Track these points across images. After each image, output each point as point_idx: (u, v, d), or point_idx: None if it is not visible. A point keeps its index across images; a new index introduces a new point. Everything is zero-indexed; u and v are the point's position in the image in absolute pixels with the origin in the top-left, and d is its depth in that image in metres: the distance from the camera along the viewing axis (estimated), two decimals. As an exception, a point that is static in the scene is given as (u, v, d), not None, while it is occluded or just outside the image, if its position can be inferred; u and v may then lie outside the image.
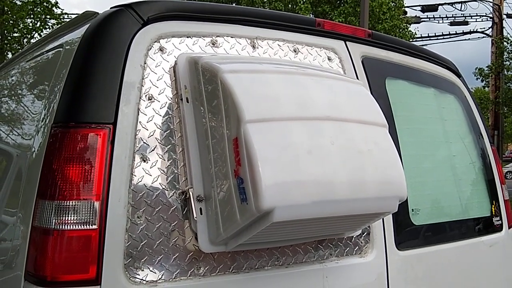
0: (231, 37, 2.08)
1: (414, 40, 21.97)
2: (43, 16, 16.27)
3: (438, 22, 27.12)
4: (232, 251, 1.85)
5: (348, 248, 2.18)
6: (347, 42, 2.43)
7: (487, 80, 25.68)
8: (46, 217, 1.66)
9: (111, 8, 1.99)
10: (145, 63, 1.86)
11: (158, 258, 1.75)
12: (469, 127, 3.00)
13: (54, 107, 1.84)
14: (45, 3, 16.16)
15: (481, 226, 2.88)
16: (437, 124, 2.81)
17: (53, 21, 16.28)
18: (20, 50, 3.02)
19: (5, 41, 16.44)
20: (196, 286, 1.80)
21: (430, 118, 2.78)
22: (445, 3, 25.78)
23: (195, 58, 1.89)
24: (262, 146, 1.60)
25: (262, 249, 1.94)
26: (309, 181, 1.65)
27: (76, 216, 1.65)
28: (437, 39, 26.30)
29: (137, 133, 1.79)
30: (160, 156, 1.82)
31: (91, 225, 1.66)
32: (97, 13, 2.02)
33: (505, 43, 23.80)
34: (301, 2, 17.11)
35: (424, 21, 26.34)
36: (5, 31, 16.18)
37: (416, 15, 25.90)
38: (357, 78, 2.34)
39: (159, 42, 1.91)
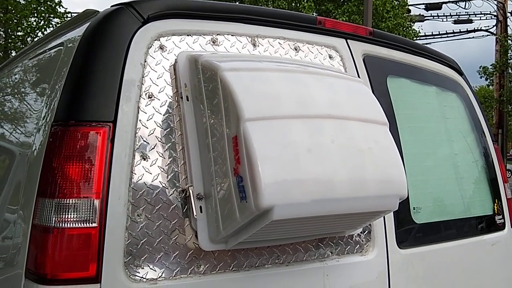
0: (232, 35, 2.08)
1: (418, 38, 21.91)
2: (47, 15, 16.29)
3: (442, 21, 27.05)
4: (232, 249, 1.85)
5: (349, 247, 2.17)
6: (348, 40, 2.43)
7: (491, 78, 25.58)
8: (46, 215, 1.66)
9: (111, 6, 1.99)
10: (145, 61, 1.86)
11: (158, 256, 1.76)
12: (471, 125, 2.99)
13: (55, 105, 1.84)
14: (48, 2, 16.16)
15: (483, 224, 2.87)
16: (439, 122, 2.80)
17: (56, 20, 16.29)
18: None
19: (9, 40, 16.47)
20: (196, 284, 1.80)
21: (431, 116, 2.77)
22: (449, 1, 25.67)
23: (195, 56, 1.89)
24: (262, 145, 1.60)
25: (263, 247, 1.94)
26: (309, 179, 1.65)
27: (76, 214, 1.66)
28: (441, 37, 26.22)
29: (137, 131, 1.79)
30: (160, 154, 1.82)
31: (91, 223, 1.66)
32: (98, 11, 2.02)
33: (509, 41, 23.72)
34: (305, 1, 17.07)
35: (428, 19, 26.25)
36: (9, 30, 16.20)
37: (420, 14, 25.79)
38: (359, 76, 2.34)
39: (159, 40, 1.91)
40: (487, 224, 2.89)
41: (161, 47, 1.91)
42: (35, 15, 16.28)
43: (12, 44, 16.28)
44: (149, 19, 1.91)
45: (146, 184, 1.77)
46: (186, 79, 1.89)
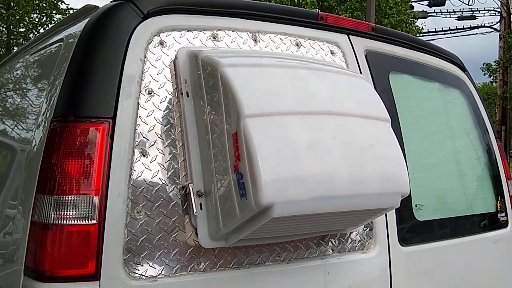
0: (233, 30, 2.06)
1: (421, 35, 21.83)
2: (49, 11, 16.29)
3: (446, 17, 26.92)
4: (232, 247, 1.84)
5: (350, 244, 2.16)
6: (350, 36, 2.41)
7: (494, 75, 25.49)
8: (45, 212, 1.65)
9: (111, 1, 1.98)
10: (145, 57, 1.84)
11: (158, 253, 1.74)
12: (474, 122, 2.97)
13: (54, 101, 1.83)
14: (50, -2, 16.20)
15: (486, 222, 2.86)
16: (442, 119, 2.78)
17: (58, 16, 16.28)
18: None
19: (11, 36, 16.47)
20: (196, 282, 1.79)
21: (434, 113, 2.75)
22: (452, -2, 25.55)
23: (196, 52, 1.87)
24: (262, 141, 1.59)
25: (263, 244, 1.93)
26: (310, 176, 1.63)
27: (75, 211, 1.65)
28: (444, 34, 26.11)
29: (136, 128, 1.77)
30: (160, 151, 1.81)
31: (90, 220, 1.65)
32: (98, 6, 2.01)
33: (513, 37, 23.61)
34: (307, -4, 17.02)
35: (431, 15, 26.17)
36: (11, 26, 16.21)
37: (423, 10, 25.72)
38: (361, 72, 2.32)
39: (159, 36, 1.90)
40: (490, 222, 2.88)
41: (161, 43, 1.90)
42: (37, 11, 16.28)
43: (14, 40, 16.28)
44: (149, 14, 1.89)
45: (145, 181, 1.76)
46: (186, 75, 1.87)
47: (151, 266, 1.73)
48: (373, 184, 1.75)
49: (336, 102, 1.81)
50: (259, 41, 2.11)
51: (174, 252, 1.77)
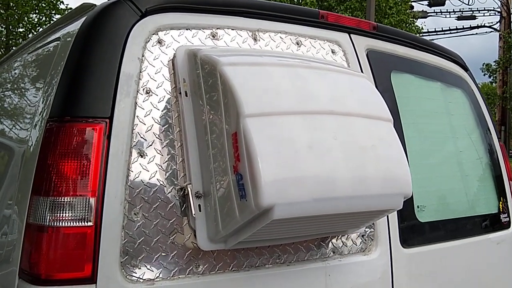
0: (232, 29, 2.04)
1: (421, 35, 21.81)
2: (48, 11, 16.27)
3: (445, 17, 26.94)
4: (231, 249, 1.81)
5: (351, 246, 2.13)
6: (351, 35, 2.39)
7: (494, 75, 25.50)
8: (41, 213, 1.63)
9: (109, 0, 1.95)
10: (143, 56, 1.82)
11: (156, 256, 1.72)
12: (476, 122, 2.94)
13: (51, 100, 1.80)
14: (49, -2, 16.18)
15: (488, 223, 2.83)
16: (444, 119, 2.75)
17: (58, 16, 16.28)
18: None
19: (11, 36, 16.45)
20: (195, 285, 1.76)
21: (436, 112, 2.72)
22: (452, -3, 25.58)
23: (194, 50, 1.84)
24: (262, 141, 1.55)
25: (263, 246, 1.90)
26: (311, 177, 1.60)
27: (71, 213, 1.62)
28: (444, 34, 26.15)
29: (134, 128, 1.75)
30: (158, 152, 1.78)
31: (87, 222, 1.63)
32: (95, 5, 1.98)
33: (512, 37, 23.62)
34: (307, -4, 17.01)
35: (431, 15, 26.19)
36: (10, 26, 16.19)
37: (423, 10, 25.76)
38: (362, 71, 2.29)
39: (157, 34, 1.87)
40: (492, 223, 2.85)
41: (159, 41, 1.87)
42: (36, 11, 16.27)
43: (14, 40, 16.26)
44: (147, 12, 1.86)
45: (143, 182, 1.73)
46: (184, 74, 1.85)
47: (148, 269, 1.70)
48: (375, 185, 1.72)
49: (338, 101, 1.78)
50: (259, 40, 2.09)
51: (172, 254, 1.74)
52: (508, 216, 2.95)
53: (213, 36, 1.99)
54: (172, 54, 1.87)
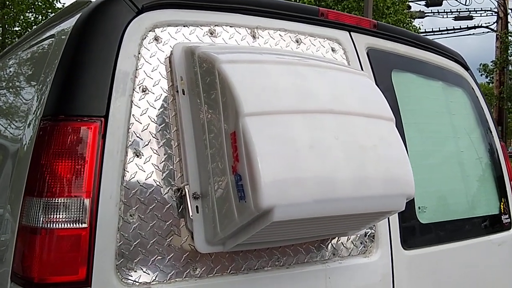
0: (230, 26, 2.00)
1: (418, 35, 21.80)
2: (44, 10, 16.20)
3: (443, 17, 26.95)
4: (230, 251, 1.77)
5: (352, 248, 2.10)
6: (351, 33, 2.36)
7: (491, 76, 25.54)
8: (34, 215, 1.59)
9: (104, -5, 1.90)
10: (139, 53, 1.78)
11: (152, 259, 1.68)
12: (477, 121, 2.91)
13: (45, 99, 1.77)
14: (46, -3, 16.11)
15: (490, 224, 2.80)
16: (445, 119, 2.72)
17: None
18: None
19: (6, 35, 16.36)
20: None
21: (437, 112, 2.69)
22: (449, -2, 25.63)
23: (192, 48, 1.81)
24: (262, 141, 1.52)
25: (262, 249, 1.86)
26: (311, 178, 1.56)
27: (65, 214, 1.58)
28: (441, 34, 26.12)
29: (130, 127, 1.71)
30: (155, 151, 1.74)
31: (81, 224, 1.59)
32: (90, 1, 1.94)
33: (510, 37, 23.65)
34: (305, -4, 16.99)
35: (428, 15, 26.19)
36: (6, 25, 16.11)
37: (420, 10, 25.77)
38: (362, 70, 2.26)
39: (154, 31, 1.83)
40: (494, 224, 2.82)
41: (156, 39, 1.83)
42: (33, 10, 16.19)
43: (9, 39, 16.18)
44: (144, 9, 1.83)
45: (139, 183, 1.69)
46: (182, 72, 1.81)
47: (144, 272, 1.67)
48: (377, 186, 1.69)
49: (338, 100, 1.74)
50: (258, 38, 2.05)
51: (169, 257, 1.70)
52: (509, 217, 2.92)
53: (211, 33, 1.95)
54: (169, 51, 1.84)
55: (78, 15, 1.87)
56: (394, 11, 18.14)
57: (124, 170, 1.67)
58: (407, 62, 2.58)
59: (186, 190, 1.72)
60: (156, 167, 1.73)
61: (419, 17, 24.76)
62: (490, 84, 26.25)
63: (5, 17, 15.71)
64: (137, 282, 1.65)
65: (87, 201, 1.60)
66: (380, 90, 1.98)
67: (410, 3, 22.17)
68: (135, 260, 1.65)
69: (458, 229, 2.61)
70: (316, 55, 2.16)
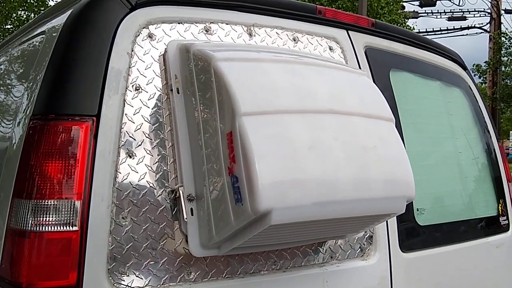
0: (226, 23, 1.96)
1: (412, 35, 21.85)
2: (37, 8, 16.10)
3: (436, 17, 27.05)
4: (225, 255, 1.73)
5: (349, 251, 2.06)
6: (349, 32, 2.32)
7: (484, 76, 25.67)
8: (23, 217, 1.54)
9: (96, -9, 1.85)
10: (132, 51, 1.74)
11: (145, 263, 1.63)
12: (475, 122, 2.88)
13: (35, 97, 1.72)
14: (38, -6, 16.02)
15: (488, 226, 2.77)
16: (443, 119, 2.69)
17: (47, 12, 16.10)
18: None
19: (-2, 33, 16.27)
20: None
21: (436, 112, 2.66)
22: (443, -2, 25.72)
23: (187, 45, 1.76)
24: (259, 142, 1.47)
25: (258, 252, 1.82)
26: (311, 179, 1.52)
27: (55, 217, 1.53)
28: (435, 34, 26.18)
29: (122, 126, 1.66)
30: (148, 152, 1.69)
31: (72, 227, 1.54)
32: (82, -4, 1.89)
33: (503, 38, 23.78)
34: (299, -4, 16.99)
35: (422, 16, 26.26)
36: (-2, 23, 16.02)
37: (414, 10, 25.83)
38: (360, 69, 2.21)
39: (148, 28, 1.79)
40: (492, 226, 2.79)
41: (150, 36, 1.79)
42: (25, 7, 16.09)
43: (1, 37, 16.06)
44: (137, 5, 1.79)
45: (132, 184, 1.65)
46: (176, 70, 1.77)
47: (137, 276, 1.62)
48: (378, 187, 1.64)
49: (338, 99, 1.70)
50: (255, 35, 2.01)
51: (162, 261, 1.66)
52: (507, 218, 2.89)
53: (206, 31, 1.91)
54: (163, 49, 1.79)
55: (70, 11, 1.82)
56: (388, 11, 18.18)
57: (117, 171, 1.63)
58: (405, 61, 2.55)
59: (181, 192, 1.68)
60: (150, 168, 1.69)
61: (413, 17, 24.83)
62: (483, 84, 26.36)
63: (-3, 14, 15.62)
64: (130, 286, 1.60)
65: (78, 203, 1.55)
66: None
67: (404, 3, 22.23)
68: (128, 264, 1.61)
69: (456, 231, 2.57)
70: (314, 54, 2.12)
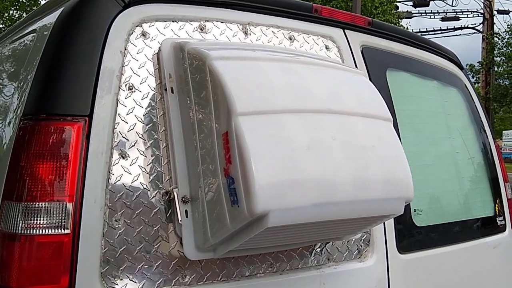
0: (221, 22, 1.93)
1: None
2: (29, 7, 16.02)
3: (430, 18, 27.17)
4: (221, 258, 1.70)
5: (346, 253, 2.03)
6: (345, 30, 2.30)
7: (477, 76, 25.80)
8: (13, 220, 1.50)
9: (88, -12, 1.82)
10: (125, 49, 1.71)
11: (139, 266, 1.60)
12: (472, 122, 2.86)
13: (25, 97, 1.68)
14: (30, -7, 15.94)
15: (485, 226, 2.76)
16: (440, 119, 2.67)
17: (40, 12, 16.03)
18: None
19: (-10, 33, 16.17)
20: None
21: (433, 112, 2.64)
22: (436, -2, 25.83)
23: (181, 44, 1.73)
24: (256, 142, 1.44)
25: (254, 254, 1.79)
26: (308, 180, 1.49)
27: (47, 220, 1.50)
28: (428, 34, 26.26)
29: (115, 127, 1.63)
30: (141, 153, 1.66)
31: (64, 230, 1.51)
32: (74, -6, 1.85)
33: (496, 38, 23.90)
34: (293, -4, 16.98)
35: (415, 16, 26.36)
36: (-11, 23, 15.93)
37: (407, 10, 25.92)
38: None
39: (141, 26, 1.76)
40: (489, 226, 2.78)
41: (144, 34, 1.76)
42: (17, 7, 16.01)
43: (-7, 37, 15.98)
44: (131, 3, 1.76)
45: (125, 186, 1.61)
46: (170, 69, 1.73)
47: (131, 280, 1.59)
48: (377, 188, 1.62)
49: (335, 99, 1.67)
50: (250, 34, 1.98)
51: (156, 264, 1.63)
52: (504, 219, 2.87)
53: (201, 29, 1.88)
54: (157, 47, 1.76)
55: (61, 9, 1.79)
56: (382, 11, 18.21)
57: (109, 172, 1.59)
58: (402, 61, 2.53)
59: (175, 194, 1.65)
60: (143, 169, 1.65)
61: (406, 18, 24.92)
62: (476, 84, 26.48)
63: (-11, 14, 15.53)
64: None
65: (69, 206, 1.52)
66: (375, 89, 1.92)
67: (398, 4, 22.28)
68: (121, 268, 1.58)
69: (454, 231, 2.55)
70: (311, 53, 2.10)
